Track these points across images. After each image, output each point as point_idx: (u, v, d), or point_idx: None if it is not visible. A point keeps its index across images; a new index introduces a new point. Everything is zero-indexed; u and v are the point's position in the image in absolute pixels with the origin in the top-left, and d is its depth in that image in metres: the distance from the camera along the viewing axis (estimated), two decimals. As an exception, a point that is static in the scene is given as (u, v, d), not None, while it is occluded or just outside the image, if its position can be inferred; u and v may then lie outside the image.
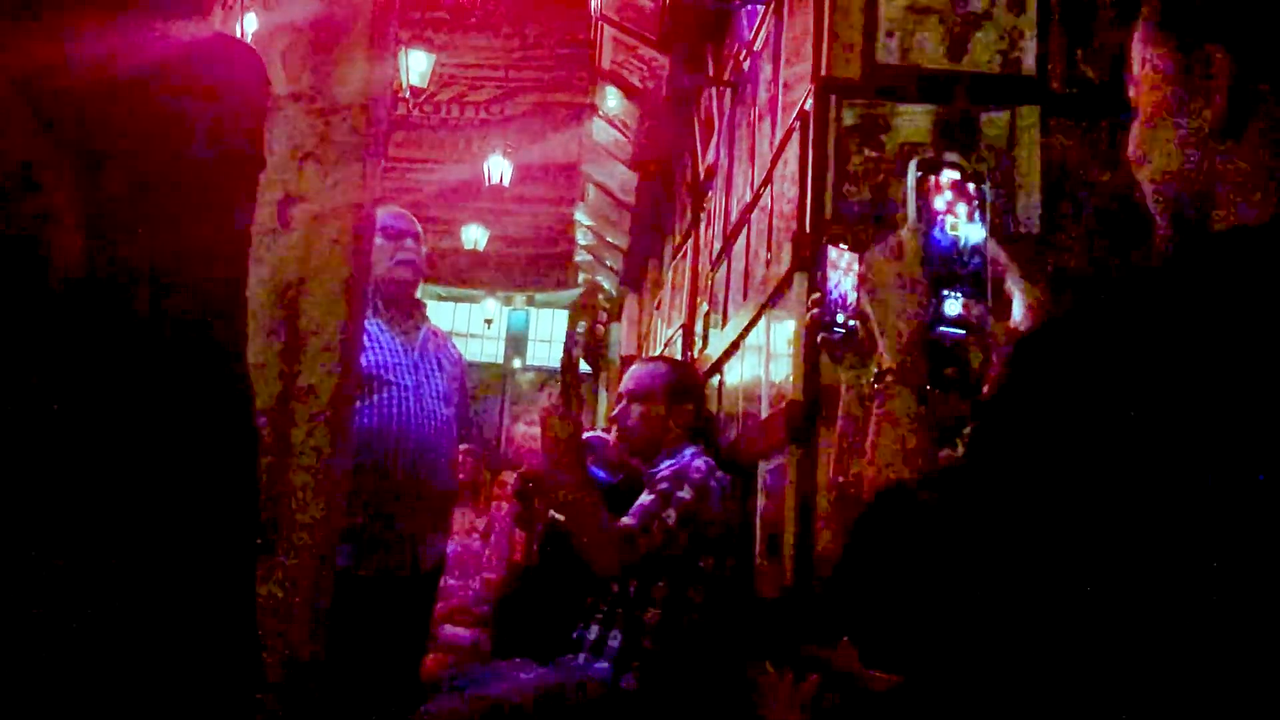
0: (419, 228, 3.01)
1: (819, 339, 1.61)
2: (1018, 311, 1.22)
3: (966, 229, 1.10)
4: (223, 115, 1.15)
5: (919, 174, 1.12)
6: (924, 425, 1.05)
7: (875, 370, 1.11)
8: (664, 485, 2.43)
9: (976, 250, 1.10)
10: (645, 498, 2.42)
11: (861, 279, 1.17)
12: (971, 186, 1.12)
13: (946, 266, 1.09)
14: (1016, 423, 0.75)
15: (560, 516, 2.89)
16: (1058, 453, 0.71)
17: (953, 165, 1.12)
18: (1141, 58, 0.90)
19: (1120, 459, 0.69)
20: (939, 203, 1.11)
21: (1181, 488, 0.67)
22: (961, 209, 1.11)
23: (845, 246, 1.57)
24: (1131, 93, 0.92)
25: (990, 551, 0.73)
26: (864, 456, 1.43)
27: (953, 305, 1.09)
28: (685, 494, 2.40)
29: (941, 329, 1.09)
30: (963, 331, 1.09)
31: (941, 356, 1.09)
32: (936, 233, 1.10)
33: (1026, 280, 1.24)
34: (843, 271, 1.56)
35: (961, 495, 0.78)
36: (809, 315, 1.60)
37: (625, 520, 2.35)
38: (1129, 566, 0.68)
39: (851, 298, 1.56)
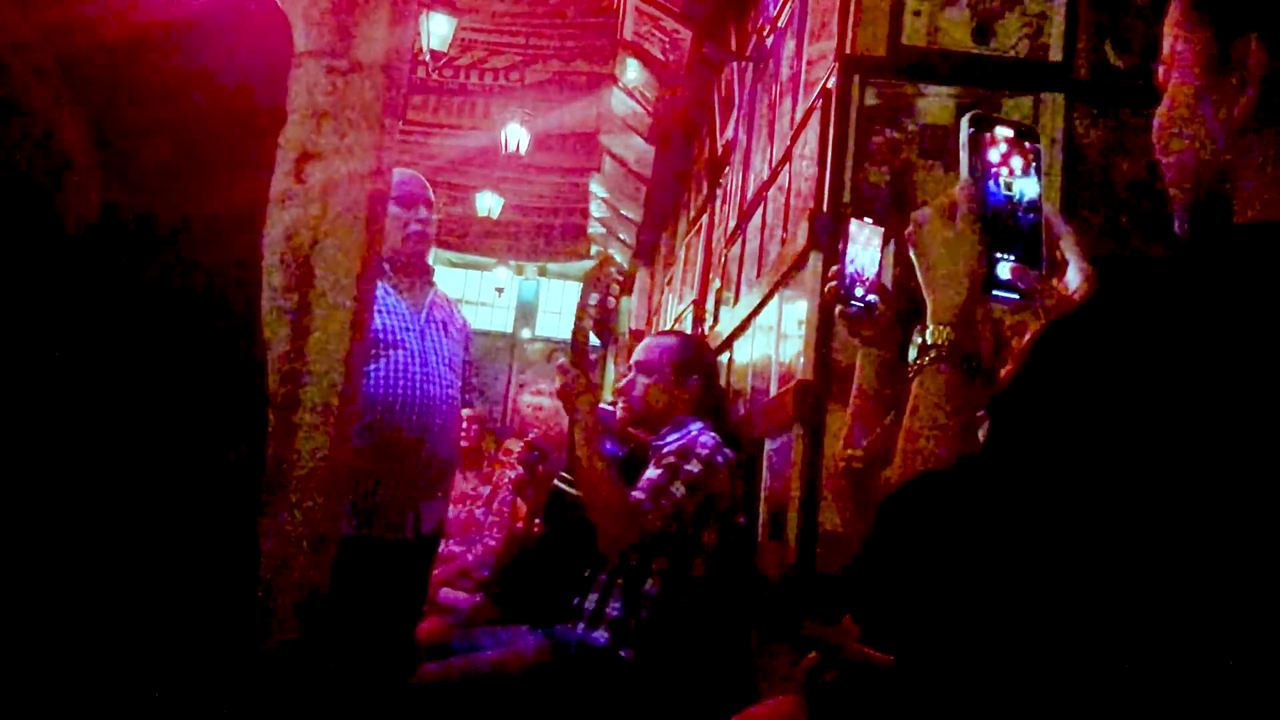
0: (431, 194, 3.00)
1: (837, 312, 1.60)
2: (1072, 279, 1.13)
3: (1022, 183, 1.05)
4: (245, 71, 1.15)
5: (972, 129, 1.05)
6: (966, 407, 0.97)
7: (916, 345, 1.02)
8: (671, 459, 2.43)
9: (1033, 205, 1.05)
10: (652, 472, 2.43)
11: (904, 245, 1.07)
12: (1026, 143, 1.06)
13: (1000, 225, 1.03)
14: (1035, 417, 0.74)
15: (566, 487, 2.90)
16: (1076, 448, 0.70)
17: (1006, 122, 1.07)
18: (1173, 42, 0.89)
19: (1139, 455, 0.68)
20: (993, 156, 1.05)
21: (1197, 487, 0.66)
22: (1017, 163, 1.05)
23: (869, 220, 1.56)
24: (1160, 76, 0.90)
25: (1002, 544, 0.73)
26: (875, 434, 1.42)
27: (1004, 268, 1.03)
28: (693, 468, 2.41)
29: (995, 293, 1.03)
30: (1016, 296, 1.03)
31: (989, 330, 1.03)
32: (991, 186, 1.04)
33: (1081, 247, 1.15)
34: (862, 245, 1.55)
35: (977, 488, 0.77)
36: (827, 288, 1.59)
37: (635, 494, 2.36)
38: (1144, 565, 0.67)
39: (870, 272, 1.55)
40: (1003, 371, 1.23)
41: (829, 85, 2.41)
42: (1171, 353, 0.70)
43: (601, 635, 2.40)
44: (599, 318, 2.60)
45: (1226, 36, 0.83)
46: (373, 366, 2.67)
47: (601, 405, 3.72)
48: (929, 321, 1.02)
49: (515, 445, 4.35)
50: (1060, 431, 0.72)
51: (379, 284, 2.71)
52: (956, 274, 1.02)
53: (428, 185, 3.00)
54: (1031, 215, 1.05)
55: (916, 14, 2.31)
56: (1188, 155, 0.87)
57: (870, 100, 2.30)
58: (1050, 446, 0.72)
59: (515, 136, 8.98)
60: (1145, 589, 0.67)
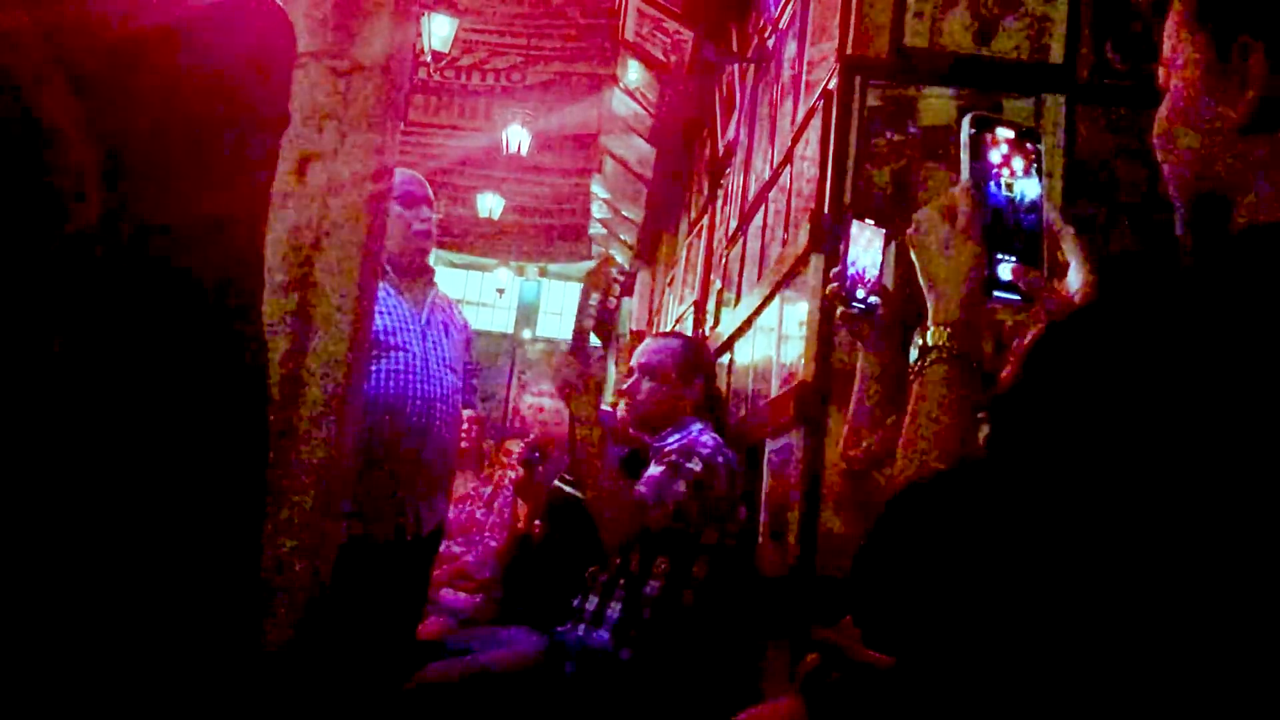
0: (432, 194, 3.01)
1: (838, 314, 1.60)
2: (1073, 281, 1.13)
3: (1023, 184, 1.05)
4: (247, 72, 1.15)
5: (973, 130, 1.05)
6: (966, 409, 0.97)
7: (917, 346, 1.02)
8: (673, 458, 2.44)
9: (1034, 206, 1.05)
10: (654, 470, 2.43)
11: (905, 246, 1.07)
12: (1027, 144, 1.06)
13: (1001, 226, 1.03)
14: (1035, 420, 0.74)
15: (567, 488, 2.90)
16: (1076, 450, 0.70)
17: (1008, 123, 1.06)
18: (1173, 44, 0.89)
19: (1140, 458, 0.68)
20: (994, 157, 1.05)
21: (1198, 489, 0.66)
22: (1018, 164, 1.05)
23: (870, 221, 1.56)
24: (1161, 78, 0.90)
25: (1002, 547, 0.73)
26: (876, 436, 1.42)
27: (1005, 269, 1.03)
28: (695, 466, 2.41)
29: (996, 294, 1.03)
30: (1017, 297, 1.03)
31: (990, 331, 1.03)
32: (992, 187, 1.04)
33: (1082, 249, 1.15)
34: (863, 247, 1.55)
35: (977, 490, 0.77)
36: (828, 290, 1.59)
37: (638, 490, 2.37)
38: (1144, 567, 0.67)
39: (872, 274, 1.55)
40: (1003, 373, 1.23)
41: (830, 87, 2.41)
42: (1172, 356, 0.70)
43: (602, 636, 2.40)
44: (600, 318, 2.59)
45: (1227, 38, 0.83)
46: (374, 367, 2.68)
47: (602, 407, 3.72)
48: (930, 323, 1.02)
49: (516, 446, 4.35)
50: (1060, 434, 0.72)
51: (380, 285, 2.71)
52: (957, 275, 1.02)
53: (428, 186, 3.01)
54: (1032, 216, 1.05)
55: (918, 15, 2.31)
56: (1189, 157, 0.87)
57: (871, 101, 2.30)
58: (1050, 449, 0.72)
59: (516, 137, 8.99)
60: (1145, 591, 0.67)
